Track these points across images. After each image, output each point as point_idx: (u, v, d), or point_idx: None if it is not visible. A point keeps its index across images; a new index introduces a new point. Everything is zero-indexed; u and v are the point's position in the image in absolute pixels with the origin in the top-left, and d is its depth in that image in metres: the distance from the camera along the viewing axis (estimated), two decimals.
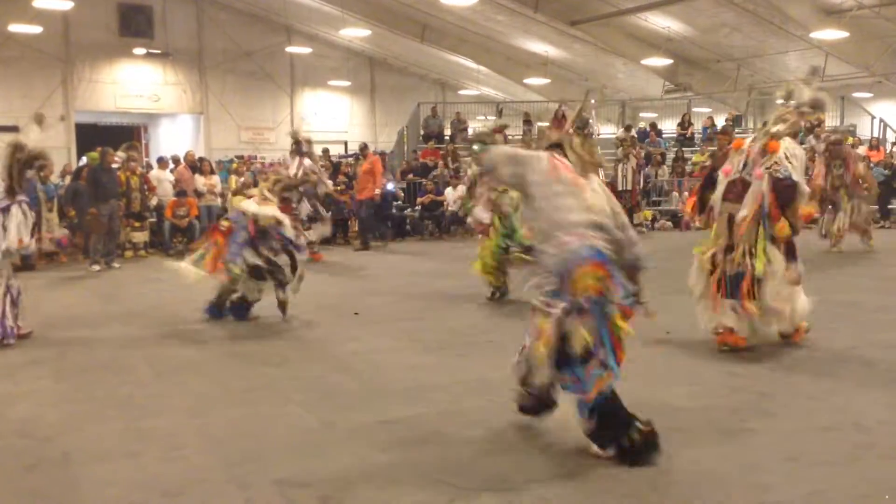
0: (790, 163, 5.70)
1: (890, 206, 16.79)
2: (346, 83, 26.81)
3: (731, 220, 5.83)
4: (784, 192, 5.64)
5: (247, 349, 6.48)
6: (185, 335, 6.98)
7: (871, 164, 16.65)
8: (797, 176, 5.73)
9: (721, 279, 5.86)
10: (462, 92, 28.86)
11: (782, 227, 5.69)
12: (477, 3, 19.35)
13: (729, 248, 5.84)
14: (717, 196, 6.01)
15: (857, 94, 21.83)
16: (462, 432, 4.32)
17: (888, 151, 18.50)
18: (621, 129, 20.75)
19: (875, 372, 5.38)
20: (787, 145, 5.80)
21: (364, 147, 15.76)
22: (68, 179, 13.88)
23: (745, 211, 5.72)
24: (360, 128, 27.17)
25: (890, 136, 20.19)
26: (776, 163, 5.65)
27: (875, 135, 19.66)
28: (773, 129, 5.83)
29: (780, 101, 6.10)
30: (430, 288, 9.60)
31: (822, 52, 19.15)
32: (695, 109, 23.62)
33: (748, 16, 18.67)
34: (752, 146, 5.90)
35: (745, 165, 5.86)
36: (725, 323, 5.87)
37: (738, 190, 5.83)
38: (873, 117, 20.85)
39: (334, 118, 26.79)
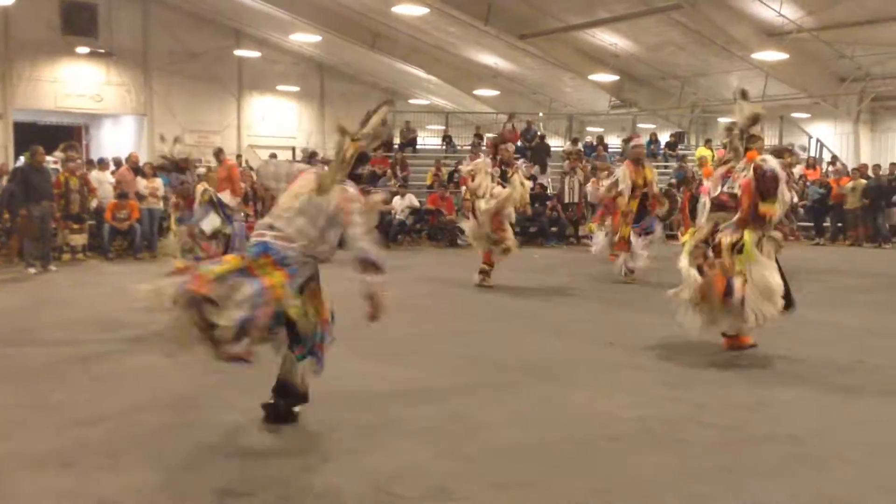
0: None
1: (825, 224, 17.32)
2: (295, 88, 26.61)
3: (714, 227, 6.13)
4: (765, 181, 5.85)
5: (187, 354, 6.35)
6: (122, 340, 6.80)
7: (808, 183, 17.22)
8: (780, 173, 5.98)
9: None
10: (412, 101, 28.89)
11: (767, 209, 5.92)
12: (428, 14, 19.40)
13: (708, 243, 6.12)
14: (704, 215, 6.33)
15: (795, 115, 22.48)
16: (406, 440, 4.32)
17: (824, 171, 19.14)
18: (568, 143, 21.00)
19: (811, 384, 5.52)
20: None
21: (219, 151, 14.37)
22: (5, 180, 13.45)
23: (740, 214, 5.96)
24: (308, 134, 26.99)
25: (826, 156, 20.88)
26: (763, 160, 5.90)
27: (812, 154, 20.34)
28: (728, 157, 6.21)
29: (726, 125, 6.38)
30: None
31: (763, 73, 19.67)
32: (640, 125, 24.11)
33: (693, 35, 19.08)
34: (721, 169, 6.27)
35: (724, 182, 6.17)
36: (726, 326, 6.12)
37: (722, 202, 6.14)
38: (810, 137, 21.52)
39: (281, 124, 26.59)
